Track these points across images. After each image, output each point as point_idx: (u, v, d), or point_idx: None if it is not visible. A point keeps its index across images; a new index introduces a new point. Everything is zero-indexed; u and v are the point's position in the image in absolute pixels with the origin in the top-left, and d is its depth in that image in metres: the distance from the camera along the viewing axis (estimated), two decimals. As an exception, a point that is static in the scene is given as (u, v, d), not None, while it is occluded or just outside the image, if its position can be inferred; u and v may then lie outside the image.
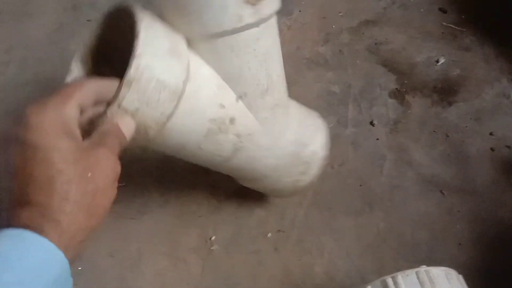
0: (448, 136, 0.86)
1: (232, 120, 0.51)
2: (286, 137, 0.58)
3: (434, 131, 0.87)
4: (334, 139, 0.85)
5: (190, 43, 0.48)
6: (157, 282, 0.70)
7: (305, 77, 0.97)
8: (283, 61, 0.56)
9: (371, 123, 0.89)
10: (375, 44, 1.05)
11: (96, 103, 0.38)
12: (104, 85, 0.39)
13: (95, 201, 0.31)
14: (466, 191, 0.78)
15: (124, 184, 0.78)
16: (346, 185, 0.80)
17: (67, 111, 0.33)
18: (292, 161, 0.61)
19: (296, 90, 0.92)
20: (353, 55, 1.02)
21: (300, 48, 1.03)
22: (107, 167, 0.33)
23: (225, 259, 0.71)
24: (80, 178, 0.30)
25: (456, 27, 1.08)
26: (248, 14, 0.45)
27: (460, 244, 0.72)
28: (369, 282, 0.52)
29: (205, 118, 0.48)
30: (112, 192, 0.34)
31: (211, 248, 0.73)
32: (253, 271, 0.70)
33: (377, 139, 0.86)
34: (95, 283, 0.70)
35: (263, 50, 0.50)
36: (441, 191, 0.78)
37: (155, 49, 0.42)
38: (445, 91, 0.94)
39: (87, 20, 1.13)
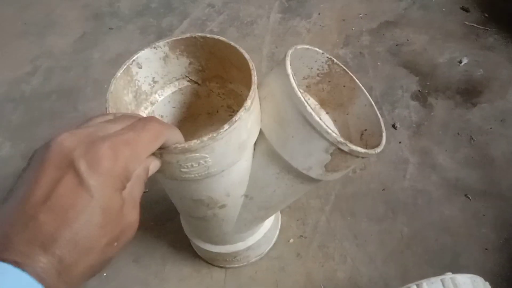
0: (472, 138, 0.85)
1: (222, 206, 0.51)
2: (241, 235, 0.63)
3: (457, 134, 0.86)
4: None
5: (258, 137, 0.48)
6: (181, 288, 0.71)
7: (325, 81, 0.96)
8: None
9: (394, 126, 0.88)
10: (396, 45, 1.04)
11: None
12: (177, 140, 0.37)
13: (103, 266, 0.31)
14: (491, 194, 0.77)
15: (147, 190, 0.79)
16: (368, 190, 0.79)
17: (141, 165, 0.32)
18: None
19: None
20: (374, 57, 1.02)
21: (320, 52, 1.02)
22: (129, 237, 0.32)
23: (247, 265, 0.72)
24: (106, 246, 0.30)
25: (479, 26, 1.06)
26: (316, 172, 0.45)
27: (486, 249, 0.71)
28: (393, 289, 0.52)
29: (207, 193, 0.48)
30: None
31: (234, 254, 0.74)
32: (275, 277, 0.70)
33: (400, 142, 0.85)
34: (120, 289, 0.72)
35: (296, 190, 0.52)
36: (465, 195, 0.77)
37: (234, 137, 0.41)
38: (469, 92, 0.93)
39: (109, 29, 1.15)
